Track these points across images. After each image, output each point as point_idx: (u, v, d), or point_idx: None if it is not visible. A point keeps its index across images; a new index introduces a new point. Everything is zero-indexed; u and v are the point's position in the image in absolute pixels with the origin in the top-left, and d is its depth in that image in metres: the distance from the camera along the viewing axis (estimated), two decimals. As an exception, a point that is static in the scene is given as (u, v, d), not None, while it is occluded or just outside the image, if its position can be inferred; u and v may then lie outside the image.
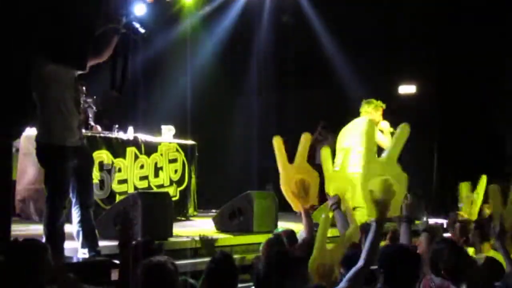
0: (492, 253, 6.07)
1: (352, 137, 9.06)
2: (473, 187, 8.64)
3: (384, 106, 9.30)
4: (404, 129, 5.09)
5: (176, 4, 13.99)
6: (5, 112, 6.06)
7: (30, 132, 9.69)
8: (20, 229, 8.02)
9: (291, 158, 6.24)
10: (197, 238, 8.07)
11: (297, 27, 14.21)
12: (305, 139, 6.27)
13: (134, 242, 4.85)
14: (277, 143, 6.19)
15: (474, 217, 8.23)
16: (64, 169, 6.38)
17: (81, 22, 6.34)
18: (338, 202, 5.88)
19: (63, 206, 6.44)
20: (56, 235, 6.26)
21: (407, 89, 14.33)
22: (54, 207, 6.35)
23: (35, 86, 6.34)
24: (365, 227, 5.76)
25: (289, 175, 6.12)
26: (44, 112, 6.36)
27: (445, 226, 9.51)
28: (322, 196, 6.29)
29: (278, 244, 5.79)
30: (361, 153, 8.14)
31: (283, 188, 6.15)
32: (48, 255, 4.26)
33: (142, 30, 6.66)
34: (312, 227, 5.94)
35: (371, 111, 9.25)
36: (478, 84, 12.51)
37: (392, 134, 8.92)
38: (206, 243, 6.04)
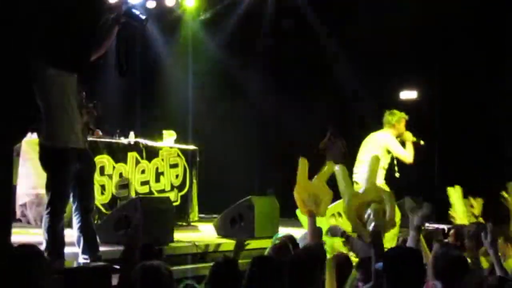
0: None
1: (369, 152, 9.00)
2: (470, 192, 8.58)
3: (407, 117, 9.36)
4: (374, 159, 5.56)
5: (178, 10, 14.01)
6: (5, 116, 6.05)
7: (31, 136, 9.72)
8: (20, 234, 8.00)
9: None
10: (197, 243, 8.08)
11: (298, 32, 14.21)
12: (329, 169, 6.26)
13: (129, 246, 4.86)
14: (303, 164, 6.19)
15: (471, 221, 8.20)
16: (67, 173, 6.35)
17: (80, 24, 6.33)
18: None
19: (64, 211, 6.43)
20: (56, 240, 6.24)
21: (408, 94, 14.31)
22: (55, 212, 6.33)
23: (39, 90, 6.32)
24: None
25: (305, 187, 6.11)
26: (49, 115, 6.34)
27: (446, 231, 9.49)
28: None
29: (285, 249, 5.80)
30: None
31: (296, 193, 6.12)
32: (43, 260, 4.23)
33: (143, 17, 6.66)
34: (317, 233, 5.92)
35: (394, 123, 9.29)
36: (480, 89, 12.49)
37: (414, 143, 9.22)
38: (239, 245, 6.01)
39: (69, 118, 6.39)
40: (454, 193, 8.14)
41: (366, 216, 5.73)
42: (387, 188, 8.67)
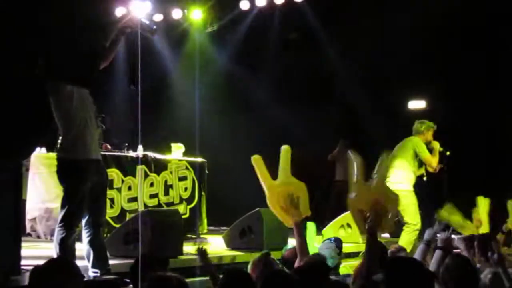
0: None
1: (399, 157, 9.51)
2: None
3: (435, 127, 9.73)
4: (385, 157, 5.67)
5: (184, 22, 14.05)
6: (15, 132, 6.08)
7: (40, 151, 9.76)
8: (30, 248, 8.01)
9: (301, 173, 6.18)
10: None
11: (304, 44, 14.22)
12: (285, 152, 6.20)
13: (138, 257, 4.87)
14: (256, 161, 6.12)
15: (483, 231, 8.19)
16: (86, 186, 6.38)
17: (89, 39, 6.39)
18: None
19: (78, 226, 6.44)
20: (67, 254, 6.24)
21: (416, 104, 14.30)
22: (70, 226, 6.33)
23: (58, 103, 6.36)
24: None
25: (275, 190, 6.02)
26: (70, 128, 6.38)
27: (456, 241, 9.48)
28: (317, 207, 6.24)
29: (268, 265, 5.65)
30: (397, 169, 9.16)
31: (270, 205, 6.04)
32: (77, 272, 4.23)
33: (153, 26, 6.70)
34: (304, 246, 5.84)
35: (423, 131, 9.66)
36: (489, 98, 12.46)
37: (440, 153, 9.61)
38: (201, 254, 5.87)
39: (90, 130, 6.46)
40: (482, 203, 8.15)
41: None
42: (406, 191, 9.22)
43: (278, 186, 5.98)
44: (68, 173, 6.42)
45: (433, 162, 9.56)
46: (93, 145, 6.50)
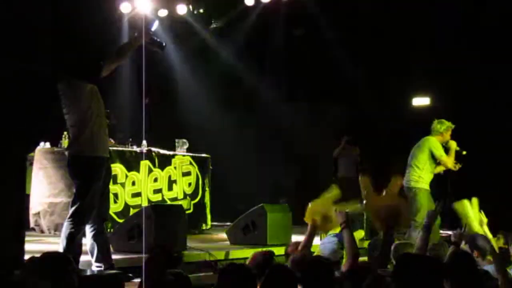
0: None
1: (416, 157, 9.66)
2: (482, 200, 8.56)
3: (453, 126, 9.77)
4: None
5: (189, 18, 14.02)
6: (20, 126, 6.09)
7: (44, 145, 9.78)
8: (34, 243, 8.02)
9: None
10: (210, 251, 8.07)
11: (310, 39, 14.20)
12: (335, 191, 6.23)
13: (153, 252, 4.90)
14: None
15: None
16: (99, 181, 6.41)
17: (93, 38, 6.43)
18: (347, 221, 5.79)
19: (87, 222, 6.45)
20: (74, 248, 6.25)
21: (421, 101, 14.29)
22: (82, 222, 6.34)
23: (77, 103, 6.39)
24: None
25: (322, 205, 6.06)
26: (87, 126, 6.38)
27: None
28: None
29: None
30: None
31: (312, 205, 6.08)
32: (71, 267, 4.24)
33: (163, 43, 6.72)
34: (309, 245, 5.89)
35: (442, 131, 9.71)
36: (493, 95, 12.44)
37: (457, 152, 9.68)
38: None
39: (103, 127, 6.50)
40: (469, 206, 8.13)
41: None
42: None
43: (327, 204, 6.05)
44: (83, 169, 6.40)
45: (448, 162, 9.59)
46: (105, 142, 6.56)
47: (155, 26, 6.90)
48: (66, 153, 6.82)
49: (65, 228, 6.34)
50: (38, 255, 4.25)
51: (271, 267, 4.51)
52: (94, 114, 6.41)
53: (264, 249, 5.98)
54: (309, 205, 6.02)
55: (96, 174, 6.40)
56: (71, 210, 6.38)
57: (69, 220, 6.33)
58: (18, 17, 5.86)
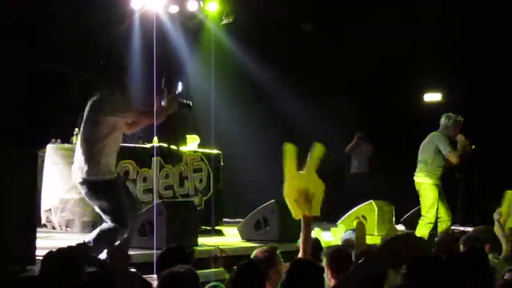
0: None
1: (425, 152, 9.72)
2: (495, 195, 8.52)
3: (462, 119, 9.79)
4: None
5: (200, 14, 14.02)
6: (32, 122, 6.11)
7: (56, 142, 9.78)
8: (45, 239, 8.04)
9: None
10: (222, 248, 8.07)
11: (318, 34, 14.16)
12: (318, 149, 6.16)
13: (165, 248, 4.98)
14: (288, 150, 6.11)
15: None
16: (122, 195, 6.49)
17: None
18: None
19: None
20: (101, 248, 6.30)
21: (432, 97, 14.25)
22: (121, 232, 6.40)
23: (105, 131, 6.46)
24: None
25: (295, 182, 6.00)
26: (105, 151, 6.48)
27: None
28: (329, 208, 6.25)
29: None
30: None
31: (285, 194, 6.04)
32: (80, 260, 4.26)
33: (190, 103, 6.83)
34: (309, 238, 5.85)
35: (450, 125, 9.73)
36: (506, 90, 12.39)
37: (464, 146, 9.64)
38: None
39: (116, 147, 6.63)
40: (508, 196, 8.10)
41: None
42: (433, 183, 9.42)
43: (299, 179, 5.97)
44: (102, 192, 6.44)
45: (453, 158, 9.57)
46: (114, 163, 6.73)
47: (180, 87, 6.96)
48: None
49: (98, 233, 6.40)
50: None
51: (294, 261, 4.53)
52: (114, 140, 6.56)
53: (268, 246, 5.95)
54: (285, 182, 5.97)
55: (114, 193, 6.44)
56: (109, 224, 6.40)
57: (108, 228, 6.38)
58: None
